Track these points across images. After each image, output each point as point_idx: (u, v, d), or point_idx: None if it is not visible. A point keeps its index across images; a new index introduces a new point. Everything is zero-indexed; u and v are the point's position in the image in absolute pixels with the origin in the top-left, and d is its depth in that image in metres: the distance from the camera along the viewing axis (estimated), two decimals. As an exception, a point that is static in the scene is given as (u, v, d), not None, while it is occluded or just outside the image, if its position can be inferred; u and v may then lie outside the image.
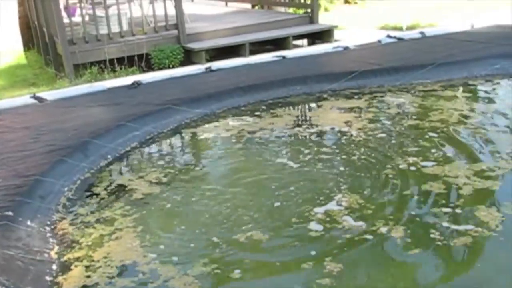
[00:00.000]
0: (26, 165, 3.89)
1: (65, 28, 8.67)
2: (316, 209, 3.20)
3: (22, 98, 5.87)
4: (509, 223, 2.94)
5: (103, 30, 8.93)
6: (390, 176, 3.57)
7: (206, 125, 4.87)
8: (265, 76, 5.83)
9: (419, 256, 2.73)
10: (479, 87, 5.37)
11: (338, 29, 10.67)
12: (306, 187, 3.54)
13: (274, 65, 6.45)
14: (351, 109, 4.92)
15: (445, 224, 2.95)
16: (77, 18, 9.90)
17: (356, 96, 5.28)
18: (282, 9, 12.57)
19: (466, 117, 4.55)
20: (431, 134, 4.21)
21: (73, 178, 3.85)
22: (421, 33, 7.55)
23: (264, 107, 5.19)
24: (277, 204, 3.33)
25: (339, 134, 4.42)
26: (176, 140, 4.73)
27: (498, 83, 5.42)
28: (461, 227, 2.90)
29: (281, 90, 5.47)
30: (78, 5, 9.68)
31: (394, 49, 6.91)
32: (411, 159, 3.76)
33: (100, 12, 9.16)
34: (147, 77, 6.35)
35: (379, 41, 7.29)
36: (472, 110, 4.75)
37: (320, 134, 4.52)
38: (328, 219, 3.09)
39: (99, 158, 4.15)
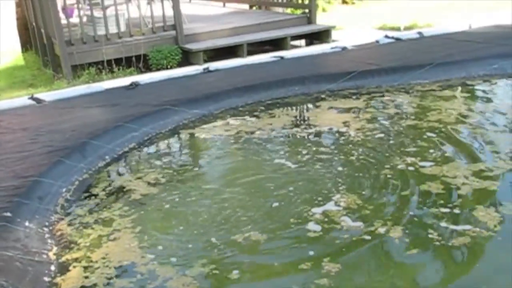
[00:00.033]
0: (24, 166, 3.89)
1: (63, 29, 8.64)
2: (315, 210, 3.20)
3: (20, 99, 5.87)
4: (507, 223, 2.94)
5: (101, 31, 8.91)
6: (389, 176, 3.57)
7: (204, 126, 4.87)
8: (263, 77, 5.83)
9: (418, 256, 2.73)
10: (477, 87, 5.37)
11: (336, 30, 10.66)
12: (305, 188, 3.54)
13: (272, 66, 6.46)
14: (349, 110, 4.93)
15: (443, 224, 2.95)
16: (75, 19, 9.88)
17: (354, 97, 5.28)
18: (280, 9, 12.56)
19: (464, 117, 4.55)
20: (429, 134, 4.22)
21: (71, 179, 3.85)
22: (419, 33, 7.57)
23: (262, 108, 5.19)
24: (275, 204, 3.33)
25: (337, 135, 4.42)
26: (174, 141, 4.73)
27: (496, 83, 5.43)
28: (460, 227, 2.91)
29: (279, 90, 5.47)
30: (75, 6, 9.66)
31: (392, 49, 6.92)
32: (409, 159, 3.76)
33: (97, 13, 9.15)
34: (145, 78, 6.36)
35: (377, 42, 7.30)
36: (470, 110, 4.76)
37: (318, 134, 4.52)
38: (326, 219, 3.09)
39: (97, 159, 4.15)
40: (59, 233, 3.20)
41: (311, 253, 2.81)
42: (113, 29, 8.98)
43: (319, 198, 3.34)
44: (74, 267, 2.84)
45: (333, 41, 9.93)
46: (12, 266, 2.77)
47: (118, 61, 8.78)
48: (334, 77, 5.63)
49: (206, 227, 3.15)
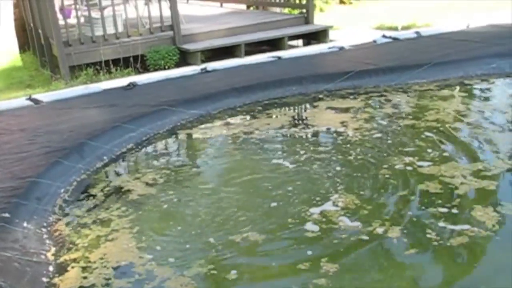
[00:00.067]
0: (22, 167, 3.88)
1: (61, 29, 8.65)
2: (313, 210, 3.20)
3: (18, 100, 5.86)
4: (506, 222, 2.94)
5: (99, 32, 8.92)
6: (387, 176, 3.57)
7: (202, 126, 4.87)
8: (260, 77, 5.83)
9: (416, 256, 2.74)
10: (475, 87, 5.38)
11: (333, 30, 10.67)
12: (303, 188, 3.54)
13: (269, 66, 6.45)
14: (347, 109, 4.93)
15: (441, 224, 2.95)
16: (72, 20, 9.88)
17: (351, 96, 5.28)
18: (277, 9, 12.57)
19: (462, 116, 4.56)
20: (427, 133, 4.22)
21: (69, 179, 3.84)
22: (417, 33, 7.57)
23: (260, 108, 5.19)
24: (273, 204, 3.33)
25: (335, 134, 4.42)
26: (172, 141, 4.73)
27: (493, 83, 5.43)
28: (458, 227, 2.91)
29: (277, 90, 5.47)
30: (73, 6, 9.66)
31: (390, 49, 6.92)
32: (407, 159, 3.76)
33: (95, 13, 9.15)
34: (142, 78, 6.35)
35: (375, 41, 7.30)
36: (468, 109, 4.76)
37: (316, 134, 4.52)
38: (324, 219, 3.09)
39: (95, 160, 4.14)
40: (57, 233, 3.20)
41: (309, 253, 2.81)
42: (110, 30, 8.99)
43: (317, 198, 3.34)
44: (72, 267, 2.84)
45: (331, 41, 9.95)
46: (10, 267, 2.77)
47: (115, 62, 8.78)
48: (332, 77, 5.63)
49: (204, 227, 3.15)
